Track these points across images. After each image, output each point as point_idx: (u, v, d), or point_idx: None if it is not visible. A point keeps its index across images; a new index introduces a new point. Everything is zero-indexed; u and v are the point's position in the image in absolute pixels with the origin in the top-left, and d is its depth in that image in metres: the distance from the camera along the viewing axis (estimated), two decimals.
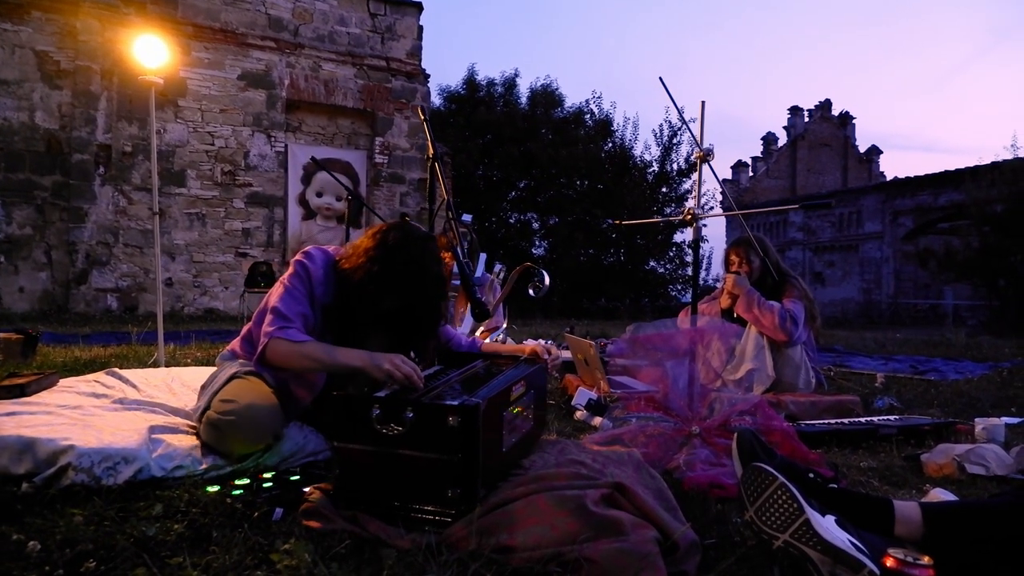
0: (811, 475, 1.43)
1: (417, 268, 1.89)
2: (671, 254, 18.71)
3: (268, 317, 1.86)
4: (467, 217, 2.59)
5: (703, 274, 19.92)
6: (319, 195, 11.25)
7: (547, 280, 2.81)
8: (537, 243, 19.44)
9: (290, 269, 1.97)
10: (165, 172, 10.09)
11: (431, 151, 2.40)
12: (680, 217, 2.49)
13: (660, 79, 2.39)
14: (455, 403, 1.51)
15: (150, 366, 3.83)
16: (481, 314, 1.94)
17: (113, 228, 9.83)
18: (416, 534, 1.42)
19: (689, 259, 16.67)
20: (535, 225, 19.63)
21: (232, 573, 1.25)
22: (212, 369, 2.16)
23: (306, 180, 11.20)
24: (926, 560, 1.04)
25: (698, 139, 2.48)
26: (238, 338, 2.11)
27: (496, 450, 1.61)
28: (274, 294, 1.94)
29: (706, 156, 2.49)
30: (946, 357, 5.83)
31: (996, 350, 6.54)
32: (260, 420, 1.81)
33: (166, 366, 3.69)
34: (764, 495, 1.35)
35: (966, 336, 9.04)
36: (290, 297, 1.89)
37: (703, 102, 2.52)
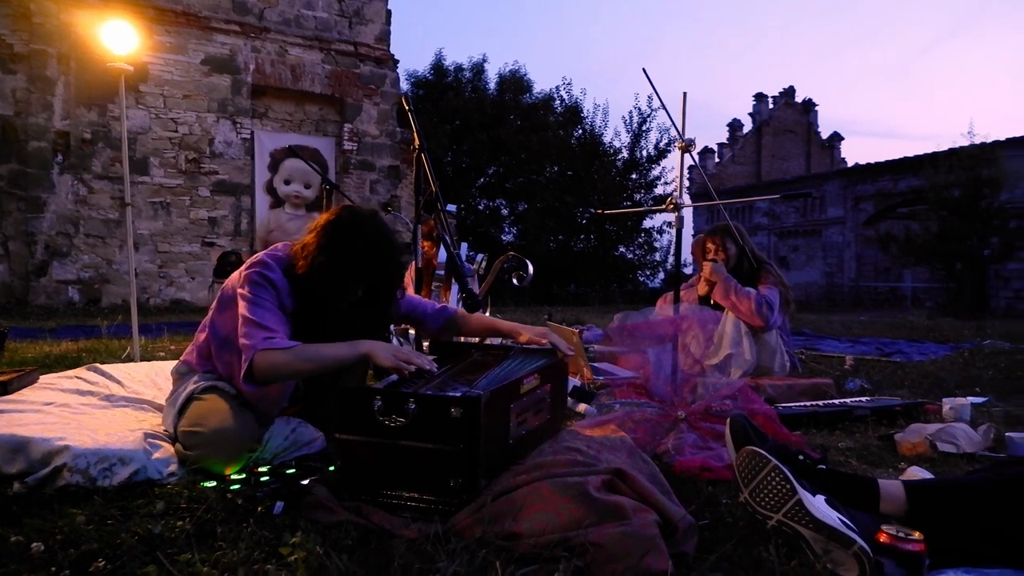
0: (801, 457, 1.49)
1: (379, 247, 1.86)
2: (640, 240, 18.88)
3: (243, 329, 1.75)
4: (451, 207, 2.60)
5: (671, 259, 20.15)
6: (287, 183, 11.08)
7: (531, 269, 2.83)
8: (507, 229, 19.45)
9: (244, 281, 1.83)
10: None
11: (417, 142, 2.40)
12: (663, 206, 2.54)
13: (643, 70, 2.42)
14: (457, 394, 1.53)
15: (124, 360, 3.77)
16: (473, 305, 1.95)
17: (73, 218, 9.56)
18: (421, 523, 1.44)
19: (658, 244, 16.69)
20: (504, 212, 19.63)
21: (243, 568, 1.26)
22: None
23: (273, 168, 11.01)
24: (917, 535, 1.10)
25: (680, 130, 2.52)
26: (192, 349, 2.00)
27: (501, 441, 1.63)
28: (240, 307, 1.80)
29: (688, 146, 2.54)
30: (909, 339, 6.04)
31: (956, 332, 6.79)
32: (232, 441, 1.77)
33: (141, 360, 3.63)
34: (758, 477, 1.41)
35: (927, 318, 9.34)
36: (261, 307, 1.78)
37: (684, 93, 2.57)
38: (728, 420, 1.57)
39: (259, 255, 1.92)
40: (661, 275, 20.23)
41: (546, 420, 1.96)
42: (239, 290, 1.84)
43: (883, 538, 1.10)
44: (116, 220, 9.79)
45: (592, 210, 15.99)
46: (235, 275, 1.93)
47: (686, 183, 21.34)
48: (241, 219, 10.77)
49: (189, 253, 10.41)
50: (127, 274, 9.92)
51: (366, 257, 1.84)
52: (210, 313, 1.97)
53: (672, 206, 2.56)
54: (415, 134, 2.35)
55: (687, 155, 2.71)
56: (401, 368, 1.70)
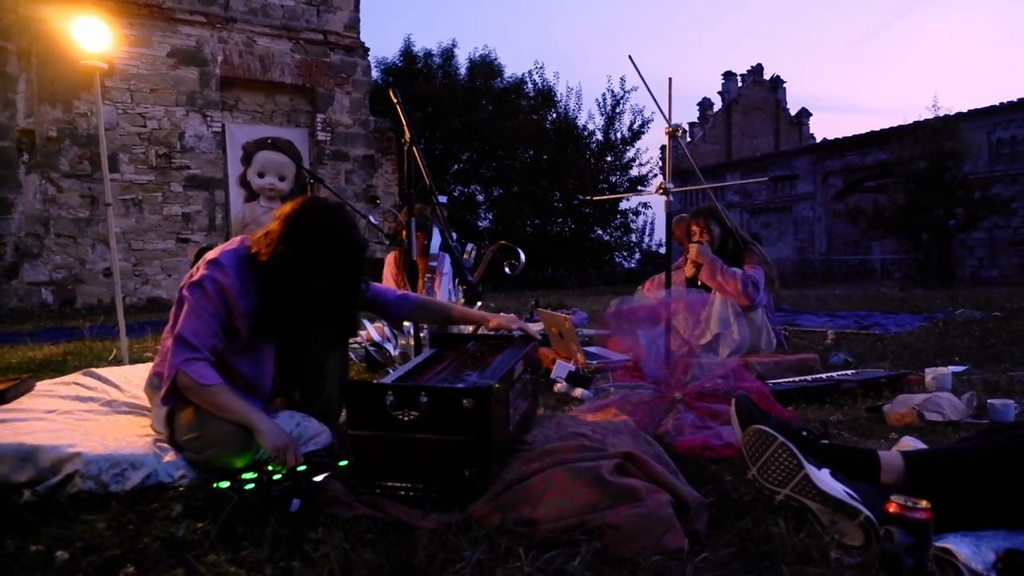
0: (804, 433, 1.54)
1: (340, 238, 1.86)
2: (616, 222, 19.00)
3: (173, 346, 1.77)
4: (443, 199, 2.61)
5: (647, 239, 20.37)
6: (261, 175, 10.93)
7: (523, 258, 2.86)
8: (482, 215, 19.42)
9: (191, 285, 1.82)
10: (95, 157, 9.60)
11: (407, 135, 2.40)
12: (653, 191, 2.57)
13: (629, 57, 2.45)
14: (468, 386, 1.56)
15: (112, 362, 3.73)
16: (474, 297, 1.97)
17: (43, 218, 9.34)
18: (439, 514, 1.47)
19: (634, 226, 16.85)
20: (480, 198, 19.58)
21: (269, 566, 1.27)
22: None
23: (246, 160, 10.85)
24: (924, 504, 1.15)
25: (667, 116, 2.55)
26: (161, 360, 1.94)
27: (505, 428, 1.67)
28: (181, 315, 1.82)
29: (675, 132, 2.57)
30: (884, 311, 6.19)
31: (928, 302, 6.97)
32: (236, 432, 1.77)
33: (129, 362, 3.59)
34: (765, 454, 1.46)
35: (899, 290, 9.56)
36: (198, 320, 1.78)
37: (670, 79, 2.60)
38: (733, 400, 1.62)
39: (214, 252, 1.90)
40: (637, 256, 20.39)
41: (530, 404, 2.02)
42: (185, 292, 1.83)
43: (892, 508, 1.15)
44: (87, 219, 9.60)
45: (580, 196, 16.01)
46: (190, 272, 1.91)
47: (658, 163, 21.49)
48: (216, 214, 10.61)
49: (164, 250, 10.24)
50: (101, 274, 9.77)
51: (328, 249, 1.84)
52: (171, 318, 1.92)
53: (662, 190, 2.60)
54: (405, 127, 2.35)
55: (669, 139, 2.74)
56: (277, 456, 1.72)
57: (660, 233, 20.67)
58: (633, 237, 19.53)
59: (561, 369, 2.91)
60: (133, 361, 3.65)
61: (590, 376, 2.82)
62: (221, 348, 1.84)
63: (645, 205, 19.39)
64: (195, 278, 1.83)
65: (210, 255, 1.88)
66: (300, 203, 1.90)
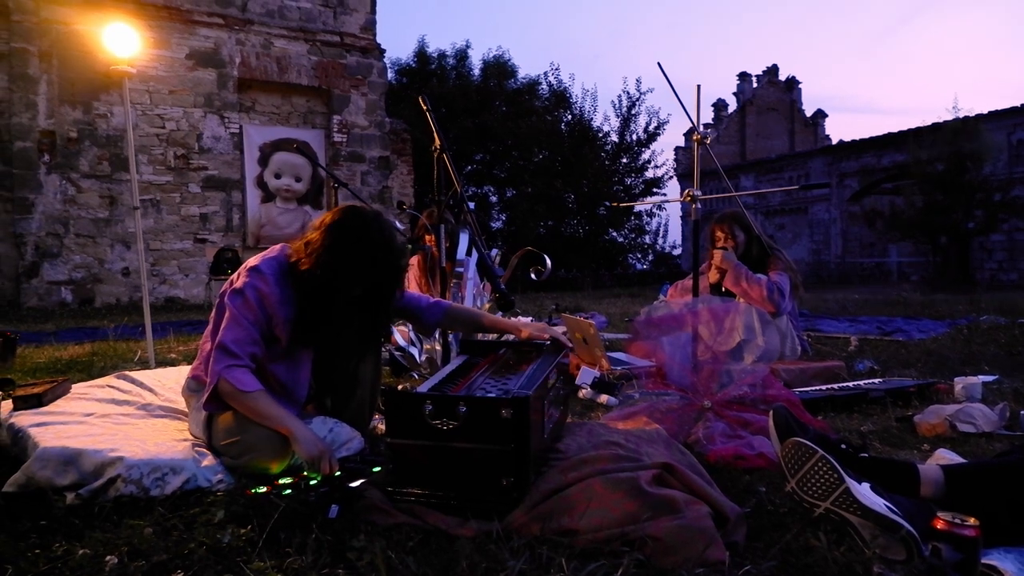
0: (843, 446, 1.54)
1: (379, 248, 1.88)
2: (631, 224, 18.99)
3: (215, 353, 1.80)
4: (471, 205, 2.62)
5: (660, 241, 20.34)
6: (277, 176, 11.00)
7: (549, 264, 2.86)
8: (495, 216, 19.45)
9: (233, 293, 1.85)
10: (114, 158, 9.71)
11: (438, 141, 2.41)
12: (680, 198, 2.57)
13: (659, 64, 2.45)
14: (506, 395, 1.57)
15: (138, 364, 3.77)
16: (506, 304, 1.98)
17: (63, 218, 9.45)
18: (478, 522, 1.48)
19: (648, 228, 16.86)
20: (493, 199, 19.61)
21: (314, 573, 1.29)
22: None
23: (263, 161, 10.92)
24: (972, 521, 1.15)
25: (696, 123, 2.55)
26: (200, 364, 1.97)
27: (540, 437, 1.67)
28: (223, 322, 1.85)
29: (703, 139, 2.57)
30: (906, 316, 6.13)
31: (950, 307, 6.89)
32: (273, 438, 1.79)
33: (155, 363, 3.63)
34: (805, 467, 1.45)
35: (920, 295, 9.47)
36: (239, 328, 1.81)
37: (698, 86, 2.60)
38: (771, 412, 1.61)
39: (256, 260, 1.92)
40: (651, 257, 20.37)
41: (562, 413, 2.03)
42: (227, 299, 1.86)
43: (940, 524, 1.15)
44: (106, 219, 9.70)
45: (608, 203, 16.01)
46: (231, 279, 1.94)
47: (673, 164, 21.45)
48: (233, 214, 10.69)
49: (181, 250, 10.33)
50: (120, 273, 9.87)
51: (367, 259, 1.85)
52: (211, 323, 1.95)
53: (689, 198, 2.60)
54: (436, 134, 2.36)
55: (698, 146, 2.74)
56: (312, 465, 1.74)
57: (673, 235, 20.65)
58: (647, 239, 19.52)
59: (586, 375, 2.91)
60: (159, 362, 3.69)
61: (615, 382, 2.82)
62: (261, 355, 1.86)
63: (659, 207, 19.38)
64: (236, 285, 1.85)
65: (251, 262, 1.91)
66: (340, 212, 1.92)
